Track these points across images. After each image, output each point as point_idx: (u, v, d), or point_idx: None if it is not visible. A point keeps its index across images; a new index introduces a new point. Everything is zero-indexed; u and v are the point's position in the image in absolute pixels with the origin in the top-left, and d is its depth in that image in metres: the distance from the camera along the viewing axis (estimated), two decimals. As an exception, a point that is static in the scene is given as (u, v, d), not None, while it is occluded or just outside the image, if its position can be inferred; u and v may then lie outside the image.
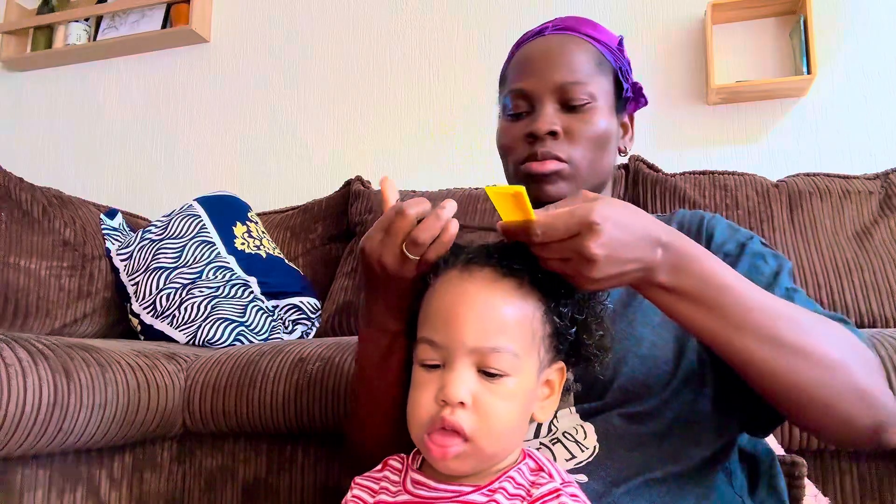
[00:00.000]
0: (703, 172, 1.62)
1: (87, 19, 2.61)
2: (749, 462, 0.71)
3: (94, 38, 2.61)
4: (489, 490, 0.55)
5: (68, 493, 1.02)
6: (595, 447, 0.65)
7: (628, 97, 0.85)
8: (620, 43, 0.86)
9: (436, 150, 2.16)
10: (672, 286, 0.57)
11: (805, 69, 1.79)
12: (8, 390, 0.85)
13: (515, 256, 0.57)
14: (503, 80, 0.87)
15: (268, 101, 2.39)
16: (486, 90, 2.13)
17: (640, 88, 0.87)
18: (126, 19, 2.57)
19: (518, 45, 0.87)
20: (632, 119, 0.89)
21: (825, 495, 0.90)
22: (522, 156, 0.79)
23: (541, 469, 0.57)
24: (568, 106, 0.78)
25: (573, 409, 0.67)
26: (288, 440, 1.16)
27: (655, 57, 2.02)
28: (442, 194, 1.78)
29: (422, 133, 2.19)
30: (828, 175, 1.58)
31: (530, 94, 0.80)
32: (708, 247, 0.74)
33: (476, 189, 1.75)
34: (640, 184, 1.66)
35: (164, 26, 2.50)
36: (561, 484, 0.55)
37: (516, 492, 0.55)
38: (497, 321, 0.54)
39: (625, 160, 1.71)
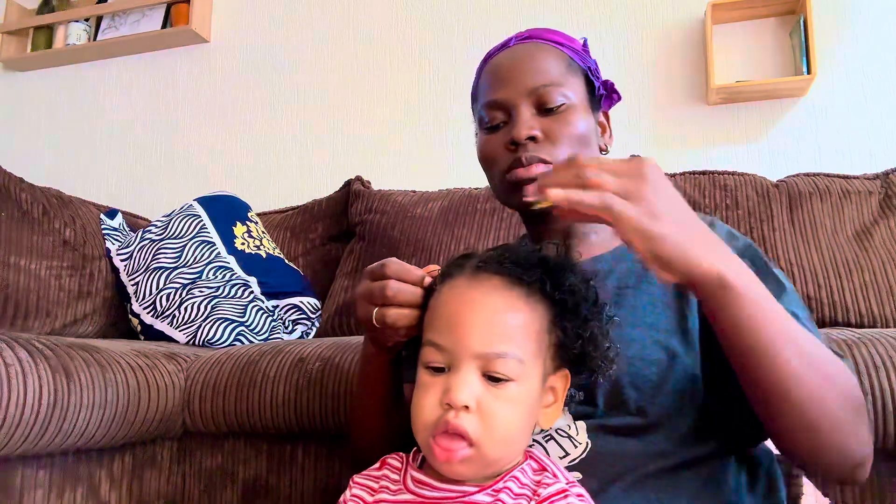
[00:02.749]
0: (703, 172, 1.62)
1: (87, 19, 2.61)
2: (747, 462, 0.72)
3: (94, 38, 2.60)
4: (493, 490, 0.55)
5: (68, 493, 1.02)
6: (587, 443, 0.65)
7: (601, 94, 0.84)
8: (585, 45, 0.86)
9: (437, 151, 2.16)
10: (736, 284, 0.54)
11: (805, 69, 1.79)
12: (8, 390, 0.85)
13: (525, 265, 0.58)
14: (474, 97, 0.88)
15: (268, 101, 2.39)
16: (486, 90, 2.13)
17: (612, 85, 0.85)
18: (126, 19, 2.57)
19: (485, 60, 0.87)
20: (607, 117, 0.88)
21: (825, 496, 0.90)
22: (506, 164, 0.78)
23: (544, 469, 0.58)
24: (544, 109, 0.78)
25: (565, 409, 0.68)
26: (288, 440, 1.16)
27: (655, 57, 2.02)
28: (441, 194, 1.78)
29: (422, 133, 2.19)
30: (828, 175, 1.58)
31: (504, 102, 0.79)
32: None
33: (476, 189, 1.76)
34: (640, 184, 1.66)
35: (164, 26, 2.50)
36: (567, 484, 0.55)
37: (521, 491, 0.55)
38: (503, 327, 0.55)
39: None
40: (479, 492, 0.55)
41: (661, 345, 0.69)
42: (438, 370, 0.56)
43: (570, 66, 0.81)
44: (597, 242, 0.81)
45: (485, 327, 0.54)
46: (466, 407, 0.53)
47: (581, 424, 0.67)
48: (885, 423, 0.85)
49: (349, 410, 0.85)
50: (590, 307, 0.60)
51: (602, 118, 0.87)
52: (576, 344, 0.58)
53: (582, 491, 0.56)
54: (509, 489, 0.55)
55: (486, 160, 0.83)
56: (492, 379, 0.54)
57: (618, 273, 0.76)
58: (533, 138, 0.76)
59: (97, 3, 2.61)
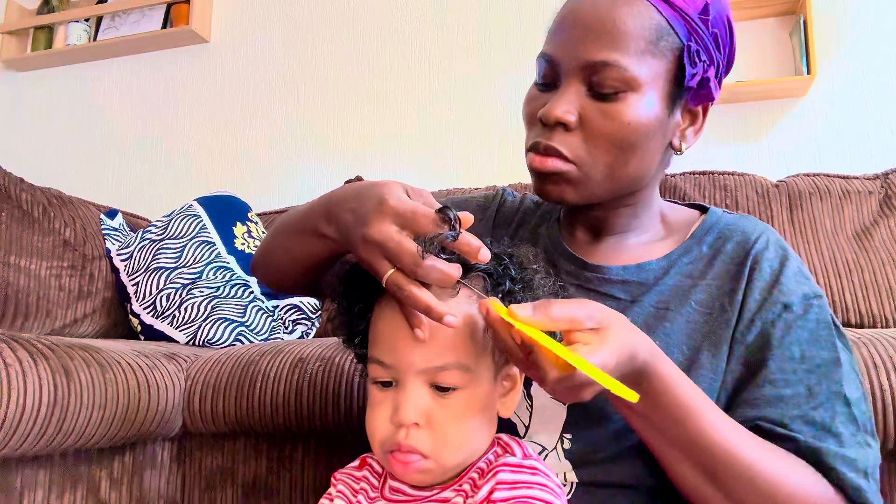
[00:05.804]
0: (703, 172, 1.62)
1: (87, 19, 2.61)
2: None
3: (94, 39, 2.60)
4: (457, 486, 0.56)
5: (68, 493, 1.02)
6: (573, 483, 0.64)
7: (690, 87, 0.65)
8: (706, 9, 0.63)
9: (436, 151, 2.16)
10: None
11: (805, 69, 1.79)
12: (8, 390, 0.85)
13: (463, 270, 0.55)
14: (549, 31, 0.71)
15: (268, 101, 2.39)
16: (485, 90, 2.13)
17: (708, 80, 0.65)
18: (126, 19, 2.57)
19: None
20: (705, 109, 0.69)
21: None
22: (532, 137, 0.66)
23: (506, 453, 0.58)
24: (596, 91, 0.62)
25: (562, 456, 0.65)
26: (288, 440, 1.16)
27: (655, 57, 2.01)
28: (441, 194, 1.78)
29: (422, 133, 2.19)
30: (828, 175, 1.58)
31: (556, 64, 0.65)
32: (770, 289, 0.65)
33: (475, 190, 1.75)
34: (640, 184, 1.66)
35: (164, 26, 2.50)
36: (522, 458, 0.56)
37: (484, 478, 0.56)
38: (444, 340, 0.54)
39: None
40: (445, 489, 0.56)
41: None
42: (387, 384, 0.56)
43: (658, 41, 0.62)
44: (640, 245, 0.72)
45: (425, 344, 0.53)
46: (416, 424, 0.53)
47: (572, 472, 0.64)
48: (885, 423, 0.85)
49: (270, 239, 0.74)
50: (521, 286, 0.57)
51: (695, 107, 0.68)
52: None
53: (537, 464, 0.55)
54: (472, 479, 0.55)
55: (524, 117, 0.70)
56: (440, 388, 0.54)
57: (661, 289, 0.67)
58: (564, 125, 0.63)
59: (97, 3, 2.61)
